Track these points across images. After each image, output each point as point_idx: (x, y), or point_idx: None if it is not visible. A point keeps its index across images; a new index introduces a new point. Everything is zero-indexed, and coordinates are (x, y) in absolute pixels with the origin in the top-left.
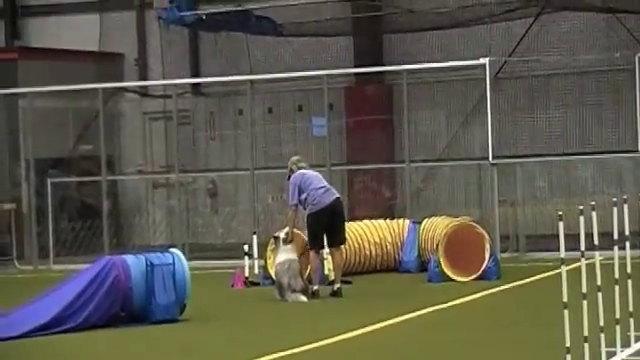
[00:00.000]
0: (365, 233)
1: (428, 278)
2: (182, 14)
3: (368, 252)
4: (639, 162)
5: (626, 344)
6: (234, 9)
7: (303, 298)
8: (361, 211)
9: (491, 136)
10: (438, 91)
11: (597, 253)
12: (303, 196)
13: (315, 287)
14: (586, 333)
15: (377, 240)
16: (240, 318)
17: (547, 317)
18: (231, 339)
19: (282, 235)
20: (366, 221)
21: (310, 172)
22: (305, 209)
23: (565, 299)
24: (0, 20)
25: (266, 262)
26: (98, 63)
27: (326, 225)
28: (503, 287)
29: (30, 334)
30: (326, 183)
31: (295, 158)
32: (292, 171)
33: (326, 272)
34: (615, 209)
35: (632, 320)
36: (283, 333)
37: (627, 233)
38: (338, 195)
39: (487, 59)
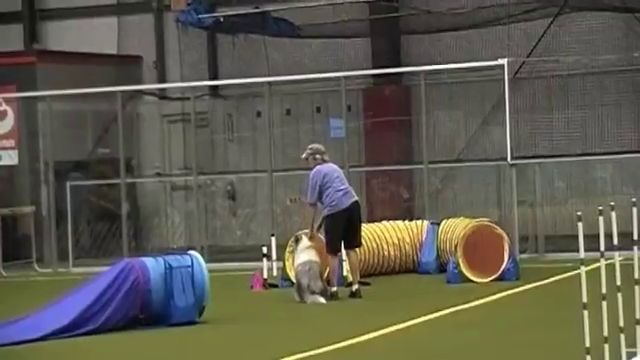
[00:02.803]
0: (384, 234)
1: (447, 279)
2: (200, 16)
3: (386, 253)
4: None
5: None
6: (252, 11)
7: (322, 300)
8: (379, 212)
9: (510, 137)
10: (456, 92)
11: (617, 253)
12: (322, 197)
13: (334, 289)
14: (606, 333)
15: (396, 241)
16: (259, 320)
17: (567, 318)
18: (250, 341)
19: (305, 238)
20: (384, 222)
21: (330, 169)
22: (323, 208)
23: (585, 299)
24: (19, 23)
25: (285, 264)
26: (116, 66)
27: (343, 228)
28: (522, 288)
29: (49, 337)
30: (346, 184)
31: (315, 147)
32: (315, 160)
33: (344, 273)
34: (635, 209)
35: None
36: (302, 335)
37: None
38: (356, 198)
39: (505, 59)
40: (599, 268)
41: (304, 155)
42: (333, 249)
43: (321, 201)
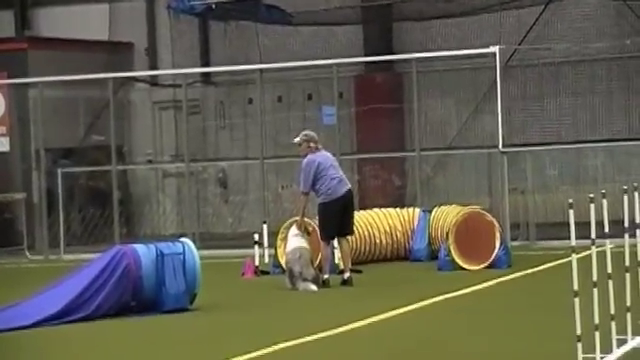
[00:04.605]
0: (375, 222)
1: (438, 267)
2: (192, 3)
3: (378, 241)
4: None
5: (637, 332)
6: None
7: (314, 287)
8: (371, 200)
9: (501, 124)
10: (448, 79)
11: (608, 241)
12: (316, 185)
13: (325, 276)
14: (597, 321)
15: (387, 229)
16: (250, 307)
17: (558, 305)
18: (241, 328)
19: (294, 226)
20: (376, 209)
21: (324, 158)
22: (317, 196)
23: (576, 287)
24: (10, 10)
25: (276, 251)
26: (108, 53)
27: (338, 216)
28: (513, 275)
29: (41, 323)
30: (340, 172)
31: (310, 135)
32: (310, 148)
33: (336, 261)
34: (626, 197)
35: None
36: (294, 322)
37: (638, 221)
38: (350, 186)
39: (497, 47)
40: (590, 255)
41: (297, 139)
42: (327, 237)
43: (315, 189)
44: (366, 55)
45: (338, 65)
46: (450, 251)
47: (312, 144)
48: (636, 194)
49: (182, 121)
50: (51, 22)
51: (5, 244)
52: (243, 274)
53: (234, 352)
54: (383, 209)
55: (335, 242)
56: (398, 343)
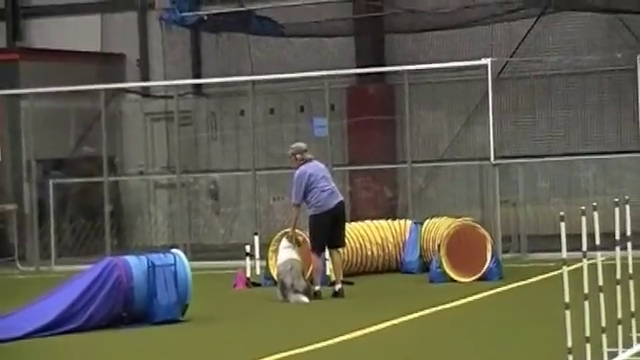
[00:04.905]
0: (367, 233)
1: (430, 279)
2: (183, 15)
3: (370, 252)
4: None
5: (628, 344)
6: (236, 9)
7: (305, 299)
8: (363, 211)
9: (493, 136)
10: (440, 91)
11: (599, 253)
12: (307, 197)
13: (317, 288)
14: (588, 333)
15: (379, 241)
16: (242, 319)
17: (549, 317)
18: (233, 340)
19: (285, 238)
20: (368, 221)
21: (316, 169)
22: (308, 208)
23: (567, 299)
24: (2, 21)
25: (267, 263)
26: (100, 64)
27: (328, 228)
28: (505, 288)
29: (32, 335)
30: (331, 183)
31: (298, 146)
32: (297, 160)
33: (327, 273)
34: (617, 209)
35: (634, 320)
36: (285, 334)
37: (629, 233)
38: (342, 198)
39: (489, 59)
40: (581, 268)
41: (289, 152)
42: (318, 249)
43: (306, 201)
44: (358, 67)
45: (330, 77)
46: (442, 263)
47: (299, 155)
48: (627, 207)
49: (174, 132)
50: (43, 33)
51: None
52: (234, 286)
53: None
54: (375, 221)
55: (326, 254)
56: (389, 355)
